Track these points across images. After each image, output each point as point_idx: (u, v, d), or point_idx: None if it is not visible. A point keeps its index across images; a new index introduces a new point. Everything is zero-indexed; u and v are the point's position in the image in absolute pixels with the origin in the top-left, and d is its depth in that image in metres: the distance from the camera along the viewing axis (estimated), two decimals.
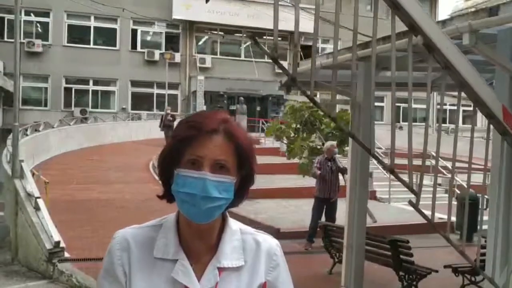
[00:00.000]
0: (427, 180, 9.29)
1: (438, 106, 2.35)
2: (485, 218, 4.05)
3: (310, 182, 10.54)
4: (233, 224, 1.35)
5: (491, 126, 2.27)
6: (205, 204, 1.20)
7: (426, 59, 2.20)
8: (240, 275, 1.29)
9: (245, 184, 1.30)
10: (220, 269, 1.27)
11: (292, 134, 11.67)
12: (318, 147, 10.75)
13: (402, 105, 29.49)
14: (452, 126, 27.98)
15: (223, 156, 1.22)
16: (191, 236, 1.28)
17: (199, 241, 1.28)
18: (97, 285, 1.33)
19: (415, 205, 1.72)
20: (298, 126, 11.61)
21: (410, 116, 2.03)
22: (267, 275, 1.31)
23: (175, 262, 1.26)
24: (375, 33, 1.70)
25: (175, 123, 14.42)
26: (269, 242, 1.36)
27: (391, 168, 1.66)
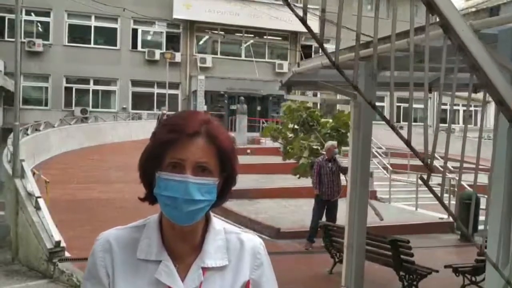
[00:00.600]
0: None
1: (442, 106, 2.33)
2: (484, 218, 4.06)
3: (310, 182, 10.55)
4: (217, 224, 1.34)
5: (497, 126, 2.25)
6: (188, 207, 1.20)
7: (434, 57, 2.18)
8: (224, 274, 1.29)
9: (227, 185, 1.30)
10: (204, 269, 1.27)
11: (290, 135, 11.67)
12: (315, 147, 10.75)
13: (403, 105, 29.61)
14: (452, 126, 28.03)
15: (205, 158, 1.22)
16: (174, 238, 1.28)
17: (182, 243, 1.28)
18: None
19: (426, 182, 1.71)
20: (296, 126, 11.62)
21: (426, 104, 2.04)
22: (251, 274, 1.32)
23: (159, 263, 1.25)
24: (394, 29, 1.69)
25: None
26: (253, 241, 1.36)
27: (407, 141, 1.67)
